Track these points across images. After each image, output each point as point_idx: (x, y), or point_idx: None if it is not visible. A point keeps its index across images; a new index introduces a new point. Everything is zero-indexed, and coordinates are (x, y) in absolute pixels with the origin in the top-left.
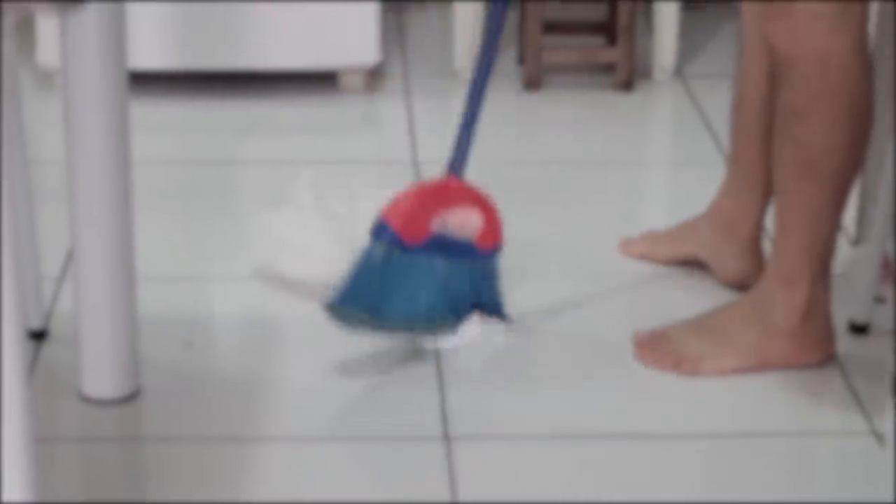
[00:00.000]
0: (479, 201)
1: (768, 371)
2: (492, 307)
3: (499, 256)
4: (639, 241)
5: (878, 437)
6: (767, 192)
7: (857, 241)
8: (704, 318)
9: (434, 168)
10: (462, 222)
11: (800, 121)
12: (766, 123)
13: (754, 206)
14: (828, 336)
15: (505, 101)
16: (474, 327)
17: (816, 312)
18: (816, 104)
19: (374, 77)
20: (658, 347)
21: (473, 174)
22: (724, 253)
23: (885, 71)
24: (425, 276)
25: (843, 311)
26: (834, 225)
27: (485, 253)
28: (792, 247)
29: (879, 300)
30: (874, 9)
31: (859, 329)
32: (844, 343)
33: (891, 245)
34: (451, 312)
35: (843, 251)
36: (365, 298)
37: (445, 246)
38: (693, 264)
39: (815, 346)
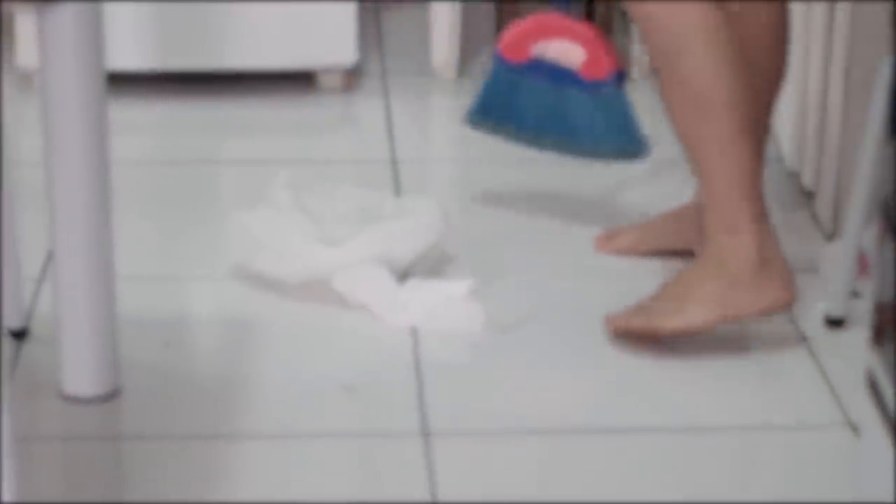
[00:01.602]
0: (584, 35)
1: (734, 321)
2: (625, 140)
3: (619, 89)
4: (619, 236)
5: (854, 429)
6: None
7: (832, 235)
8: (668, 282)
9: (413, 167)
10: (562, 52)
11: (677, 59)
12: None
13: None
14: (786, 279)
15: None
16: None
17: (768, 256)
18: (683, 40)
19: (351, 76)
20: (628, 315)
21: (454, 170)
22: None
23: (859, 68)
24: (532, 94)
25: (819, 306)
26: (751, 159)
27: (591, 82)
28: (719, 194)
29: (855, 294)
30: (848, 12)
31: (835, 323)
32: (820, 337)
33: (866, 239)
34: (573, 138)
35: (819, 246)
36: (492, 111)
37: (546, 70)
38: (673, 257)
39: (777, 288)
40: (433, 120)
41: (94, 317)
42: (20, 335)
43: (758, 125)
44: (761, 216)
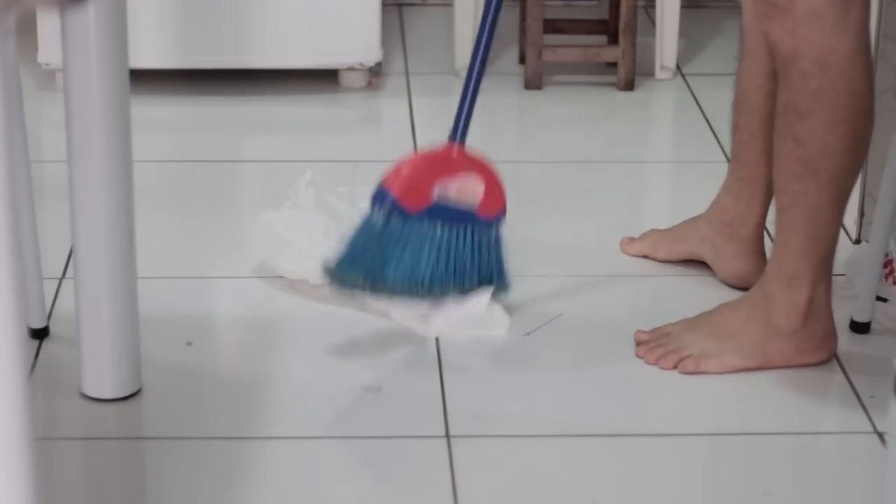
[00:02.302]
0: (482, 169)
1: (769, 370)
2: (496, 277)
3: (502, 225)
4: (639, 241)
5: (880, 436)
6: (769, 191)
7: (858, 239)
8: (706, 317)
9: None
10: (463, 190)
11: (799, 120)
12: (767, 123)
13: (755, 206)
14: (829, 336)
15: (506, 101)
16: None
17: (818, 312)
18: (816, 103)
19: (374, 75)
20: (659, 346)
21: None
22: (725, 252)
23: (886, 70)
24: (426, 242)
25: (844, 310)
26: (834, 225)
27: (487, 221)
28: (792, 247)
29: (881, 299)
30: (875, 8)
31: (861, 328)
32: (846, 342)
33: (892, 244)
34: (454, 281)
35: (845, 250)
36: (364, 263)
37: (447, 213)
38: (693, 263)
39: (817, 345)
40: None
41: (116, 316)
42: (41, 334)
43: (849, 195)
44: (824, 275)
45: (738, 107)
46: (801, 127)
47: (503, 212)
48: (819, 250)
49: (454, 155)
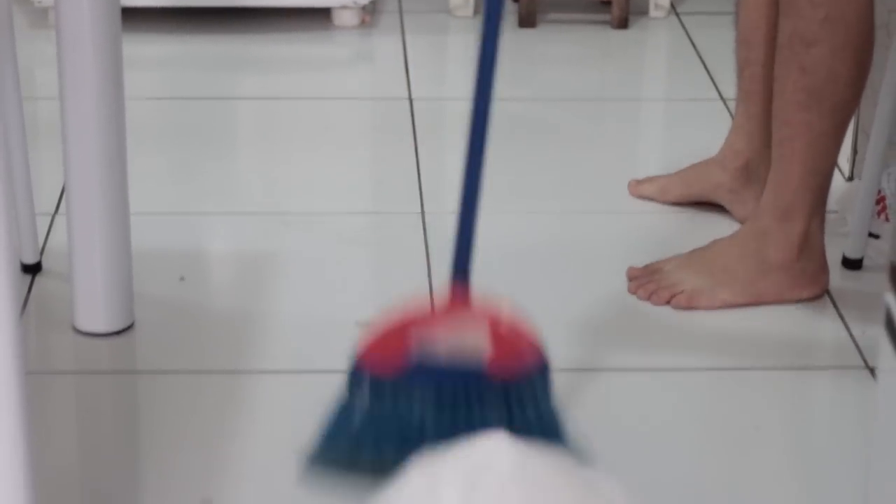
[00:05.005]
0: (490, 315)
1: (762, 305)
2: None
3: (538, 381)
4: (647, 184)
5: (871, 371)
6: None
7: (851, 176)
8: (698, 253)
9: (428, 105)
10: (463, 345)
11: (807, 49)
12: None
13: (770, 144)
14: (822, 271)
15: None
16: None
17: (811, 247)
18: (824, 30)
19: (368, 13)
20: (652, 282)
21: (462, 110)
22: (745, 196)
23: (879, 7)
24: (410, 415)
25: (837, 247)
26: (832, 157)
27: (502, 380)
28: (790, 179)
29: (873, 235)
30: None
31: (853, 264)
32: (838, 278)
33: (885, 180)
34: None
35: (838, 187)
36: (349, 447)
37: (441, 375)
38: (703, 205)
39: (810, 281)
40: (449, 58)
41: (108, 251)
42: (34, 269)
43: (848, 127)
44: (819, 210)
45: (744, 42)
46: (809, 56)
47: (536, 368)
48: (816, 182)
49: (450, 299)
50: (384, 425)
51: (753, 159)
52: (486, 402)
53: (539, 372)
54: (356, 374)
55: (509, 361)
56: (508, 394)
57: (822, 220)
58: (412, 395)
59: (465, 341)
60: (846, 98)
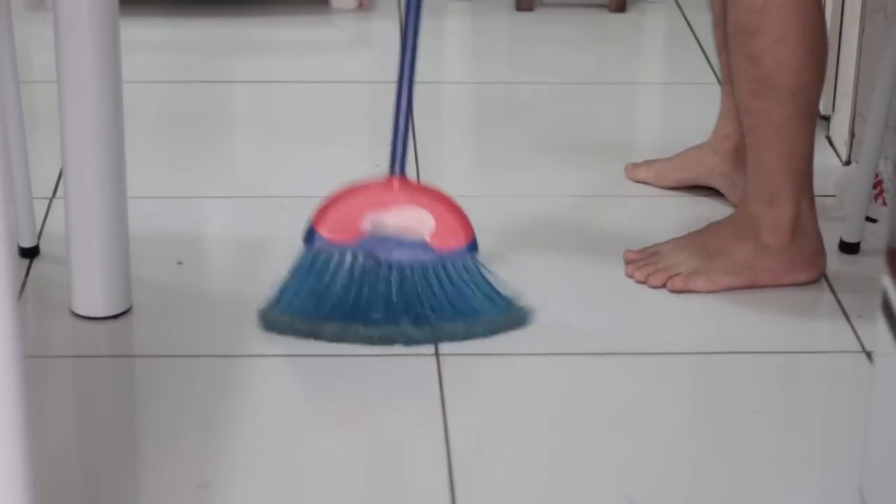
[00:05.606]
0: (432, 200)
1: (759, 288)
2: (491, 310)
3: (471, 258)
4: (644, 168)
5: (868, 355)
6: None
7: (848, 160)
8: (694, 236)
9: (426, 88)
10: (405, 222)
11: (750, 39)
12: None
13: None
14: (818, 254)
15: (498, 22)
16: None
17: (805, 229)
18: (763, 20)
19: None
20: (648, 264)
21: (466, 93)
22: (736, 179)
23: None
24: (361, 279)
25: (834, 231)
26: (805, 139)
27: (443, 253)
28: (767, 165)
29: (870, 219)
30: None
31: (850, 248)
32: (835, 262)
33: (882, 164)
34: (406, 319)
35: (835, 171)
36: (301, 305)
37: (387, 247)
38: (699, 188)
39: (806, 263)
40: (447, 41)
41: (106, 235)
42: (31, 253)
43: (815, 109)
44: (804, 191)
45: (719, 24)
46: (753, 45)
47: (468, 244)
48: (794, 165)
49: (394, 187)
50: (331, 287)
51: (742, 142)
52: (428, 271)
53: (471, 245)
54: (309, 238)
55: (448, 235)
56: (446, 264)
57: (812, 203)
58: (359, 260)
59: (410, 215)
60: (802, 84)
